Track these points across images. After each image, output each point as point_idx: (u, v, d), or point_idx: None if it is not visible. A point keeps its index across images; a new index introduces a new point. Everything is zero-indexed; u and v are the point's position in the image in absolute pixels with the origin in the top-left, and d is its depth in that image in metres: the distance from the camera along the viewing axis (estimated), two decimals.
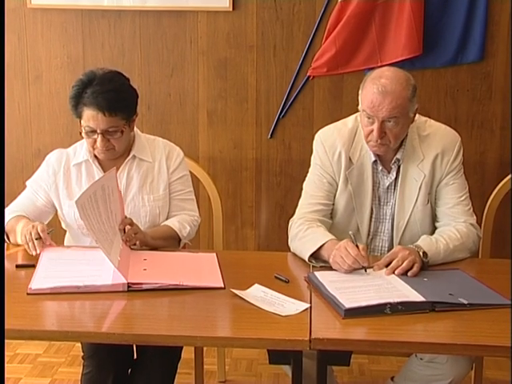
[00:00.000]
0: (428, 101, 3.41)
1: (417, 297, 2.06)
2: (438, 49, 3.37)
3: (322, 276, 2.21)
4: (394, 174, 2.55)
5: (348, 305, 2.01)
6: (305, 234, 2.48)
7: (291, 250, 2.54)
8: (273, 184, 3.60)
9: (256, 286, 2.16)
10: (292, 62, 3.48)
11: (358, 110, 2.53)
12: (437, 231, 2.53)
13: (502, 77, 3.38)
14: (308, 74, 3.47)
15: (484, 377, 2.67)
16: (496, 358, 2.65)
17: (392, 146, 2.46)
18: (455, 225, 2.50)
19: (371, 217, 2.58)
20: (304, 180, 2.67)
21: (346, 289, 2.13)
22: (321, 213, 2.57)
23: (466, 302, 2.03)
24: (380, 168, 2.55)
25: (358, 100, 2.49)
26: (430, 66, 3.39)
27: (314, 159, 2.64)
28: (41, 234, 2.34)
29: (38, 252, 2.34)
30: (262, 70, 3.50)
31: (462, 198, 2.55)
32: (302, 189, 2.66)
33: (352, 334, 1.93)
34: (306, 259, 2.38)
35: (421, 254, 2.30)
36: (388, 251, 2.49)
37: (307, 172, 2.67)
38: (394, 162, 2.53)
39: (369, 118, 2.41)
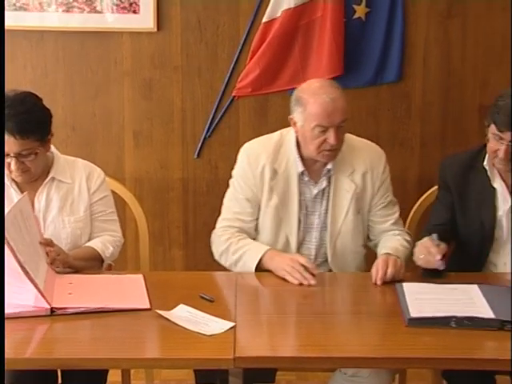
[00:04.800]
0: (351, 120, 3.41)
1: (488, 314, 2.08)
2: (358, 69, 3.45)
3: (407, 286, 2.29)
4: (324, 183, 2.62)
5: (414, 314, 2.06)
6: (237, 247, 2.55)
7: (224, 264, 2.60)
8: (200, 204, 3.61)
9: (181, 306, 2.17)
10: (217, 83, 3.51)
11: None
12: (389, 241, 2.61)
13: (420, 97, 3.49)
14: (233, 95, 3.50)
15: None
16: (419, 370, 2.72)
17: (341, 148, 2.55)
18: (400, 233, 2.65)
19: (299, 226, 2.62)
20: None
21: (423, 300, 2.19)
22: (243, 225, 2.63)
23: None
24: (307, 179, 2.61)
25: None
26: (351, 85, 3.46)
27: (236, 172, 2.68)
28: None
29: None
30: (188, 91, 3.52)
31: (398, 212, 2.70)
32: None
33: (275, 352, 1.96)
34: (252, 271, 2.46)
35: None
36: (315, 259, 2.60)
37: None
38: (325, 172, 2.60)
39: (322, 131, 2.47)
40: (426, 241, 2.36)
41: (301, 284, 2.36)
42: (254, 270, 2.49)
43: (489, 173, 2.50)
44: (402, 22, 3.40)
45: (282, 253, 2.53)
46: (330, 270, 2.66)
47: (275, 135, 2.68)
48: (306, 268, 2.38)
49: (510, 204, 2.50)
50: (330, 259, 2.64)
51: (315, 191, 2.62)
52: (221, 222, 2.67)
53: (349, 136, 2.65)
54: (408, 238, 2.65)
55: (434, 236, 2.36)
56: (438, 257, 2.30)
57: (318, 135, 2.48)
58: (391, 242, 2.60)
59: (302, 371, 3.16)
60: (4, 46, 3.34)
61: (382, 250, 2.53)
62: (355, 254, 2.64)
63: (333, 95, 2.46)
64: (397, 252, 2.49)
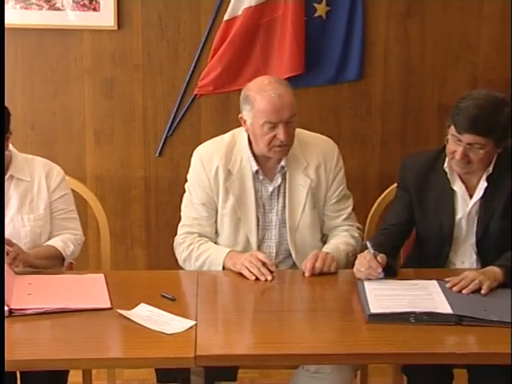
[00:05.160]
0: (312, 118, 3.50)
1: (446, 309, 2.10)
2: (319, 67, 3.47)
3: (368, 283, 2.31)
4: (279, 180, 2.63)
5: (374, 310, 2.08)
6: (199, 253, 2.58)
7: (187, 269, 2.62)
8: (162, 203, 3.60)
9: (142, 305, 2.16)
10: (178, 81, 3.50)
11: None
12: (334, 238, 2.66)
13: (381, 95, 3.53)
14: (194, 93, 3.50)
15: (369, 383, 2.77)
16: (380, 365, 2.75)
17: (292, 144, 2.57)
18: (349, 230, 2.68)
19: (258, 225, 2.64)
20: None
21: (383, 296, 2.20)
22: (202, 230, 2.65)
23: (496, 318, 2.05)
24: (261, 177, 2.63)
25: None
26: (312, 84, 3.49)
27: (190, 176, 2.70)
28: None
29: None
30: (149, 89, 3.50)
31: (351, 206, 2.73)
32: None
33: (236, 350, 1.96)
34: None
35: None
36: (276, 256, 2.64)
37: None
38: (279, 169, 2.62)
39: (271, 127, 2.48)
40: (365, 254, 2.36)
41: (257, 279, 2.38)
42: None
43: (449, 175, 2.53)
44: (362, 21, 3.43)
45: (242, 254, 2.54)
46: (295, 264, 2.68)
47: (227, 136, 2.70)
48: (264, 264, 2.41)
49: (469, 206, 2.53)
50: (293, 255, 2.67)
51: (271, 189, 2.64)
52: (181, 229, 2.69)
53: (300, 131, 2.67)
54: (356, 235, 2.69)
55: (369, 244, 2.36)
56: (380, 270, 2.32)
57: (268, 132, 2.50)
58: (335, 239, 2.65)
59: (264, 369, 3.17)
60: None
61: (323, 249, 2.58)
62: (315, 248, 2.66)
63: (279, 91, 2.48)
64: (335, 251, 2.54)
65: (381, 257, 2.33)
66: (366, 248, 2.37)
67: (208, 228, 2.65)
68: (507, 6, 3.43)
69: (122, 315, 2.09)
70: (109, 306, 2.16)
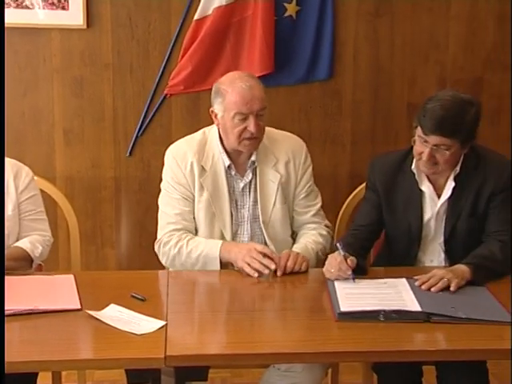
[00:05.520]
0: (283, 117, 3.51)
1: (415, 307, 2.12)
2: (290, 67, 3.49)
3: (338, 282, 2.32)
4: (250, 176, 2.66)
5: (344, 309, 2.09)
6: (190, 250, 2.57)
7: (178, 268, 2.60)
8: (132, 202, 3.59)
9: (112, 305, 2.15)
10: (149, 81, 3.49)
11: None
12: (302, 237, 2.68)
13: (351, 94, 3.55)
14: (165, 93, 3.49)
15: (340, 381, 2.78)
16: (350, 363, 2.76)
17: (262, 138, 2.60)
18: (317, 228, 2.70)
19: (232, 220, 2.66)
20: None
21: (353, 295, 2.21)
22: (187, 224, 2.64)
23: (464, 315, 2.08)
24: (233, 172, 2.65)
25: None
26: (283, 83, 3.51)
27: (165, 175, 2.70)
28: None
29: None
30: (119, 89, 3.49)
31: (320, 203, 2.75)
32: None
33: (206, 349, 1.96)
34: (217, 268, 2.50)
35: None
36: None
37: None
38: (250, 165, 2.65)
39: (242, 119, 2.52)
40: (336, 255, 2.37)
41: (259, 276, 2.39)
42: (218, 267, 2.53)
43: (416, 176, 2.55)
44: (332, 21, 3.45)
45: (236, 243, 2.57)
46: None
47: (198, 134, 2.73)
48: (264, 254, 2.42)
49: (438, 206, 2.55)
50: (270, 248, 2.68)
51: (242, 184, 2.68)
52: (164, 228, 2.65)
53: (269, 129, 2.72)
54: (324, 233, 2.71)
55: (339, 246, 2.37)
56: (349, 273, 2.33)
57: (238, 124, 2.54)
58: (304, 239, 2.67)
59: (235, 368, 3.17)
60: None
61: (293, 249, 2.59)
62: (286, 243, 2.69)
63: (250, 83, 2.54)
64: (305, 251, 2.56)
65: (351, 259, 2.34)
66: (337, 249, 2.38)
67: (192, 223, 2.66)
68: (474, 7, 3.48)
69: (91, 316, 2.08)
70: (78, 307, 2.15)
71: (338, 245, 2.38)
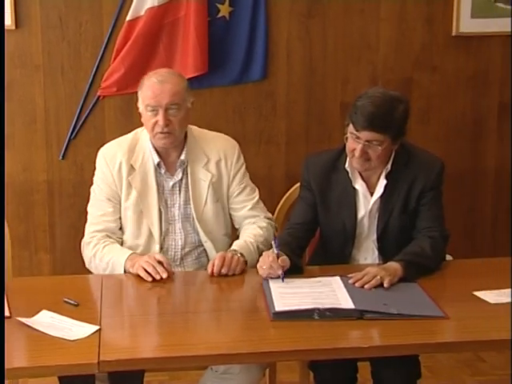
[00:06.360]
0: (217, 118, 3.52)
1: (348, 304, 2.13)
2: (223, 68, 3.49)
3: (273, 281, 2.33)
4: (180, 175, 2.67)
5: (279, 308, 2.09)
6: (103, 254, 2.57)
7: (94, 271, 2.60)
8: (66, 206, 3.53)
9: (44, 311, 2.12)
10: (81, 82, 3.44)
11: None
12: (242, 233, 2.70)
13: (285, 95, 3.57)
14: (98, 94, 3.45)
15: (278, 380, 2.79)
16: (287, 362, 2.77)
17: (177, 134, 2.61)
18: (256, 221, 2.71)
19: (161, 218, 2.66)
20: None
21: (288, 294, 2.21)
22: (108, 226, 2.64)
23: (395, 311, 2.10)
24: (163, 171, 2.66)
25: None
26: (217, 84, 3.51)
27: (96, 176, 2.71)
28: None
29: None
30: (51, 90, 3.43)
31: (257, 197, 2.76)
32: None
33: (140, 353, 1.94)
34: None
35: (239, 255, 2.48)
36: (181, 250, 2.67)
37: None
38: (180, 164, 2.66)
39: (153, 111, 2.55)
40: (270, 253, 2.38)
41: (154, 280, 2.37)
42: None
43: (350, 174, 2.58)
44: (265, 21, 3.47)
45: (142, 256, 2.53)
46: (206, 253, 2.72)
47: (130, 135, 2.75)
48: (161, 263, 2.42)
49: (371, 204, 2.59)
50: (206, 245, 2.71)
51: (171, 183, 2.68)
52: (87, 229, 2.68)
53: (201, 130, 2.75)
54: (264, 224, 2.71)
55: (274, 244, 2.38)
56: (280, 272, 2.35)
57: (151, 117, 2.57)
58: (242, 234, 2.69)
59: (172, 371, 3.15)
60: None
61: (232, 245, 2.61)
62: (220, 241, 2.71)
63: (163, 78, 2.58)
64: (244, 247, 2.56)
65: (282, 259, 2.36)
66: (271, 246, 2.39)
67: (113, 223, 2.66)
68: (403, 8, 3.55)
69: (22, 323, 2.03)
70: (7, 314, 2.10)
71: (272, 242, 2.39)
